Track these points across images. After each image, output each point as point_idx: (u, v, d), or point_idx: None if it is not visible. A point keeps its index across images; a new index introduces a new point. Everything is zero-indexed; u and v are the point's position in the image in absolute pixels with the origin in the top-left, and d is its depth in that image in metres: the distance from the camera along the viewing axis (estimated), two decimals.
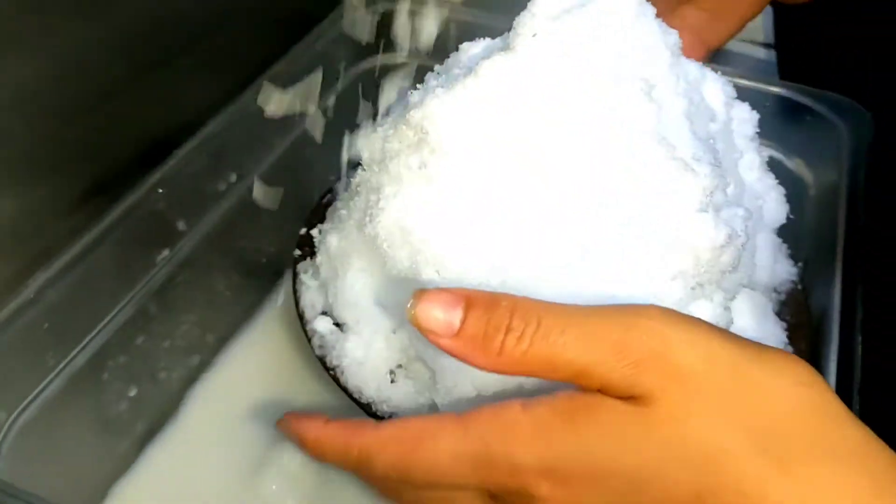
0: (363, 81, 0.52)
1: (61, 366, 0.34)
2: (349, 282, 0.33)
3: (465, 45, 0.35)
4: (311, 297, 0.36)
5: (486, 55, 0.29)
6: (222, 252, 0.43)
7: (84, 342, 0.35)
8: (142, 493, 0.38)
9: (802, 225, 0.45)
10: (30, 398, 0.33)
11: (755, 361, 0.22)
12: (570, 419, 0.23)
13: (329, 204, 0.41)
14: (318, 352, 0.34)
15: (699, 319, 0.23)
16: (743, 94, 0.39)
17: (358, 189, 0.34)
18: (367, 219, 0.30)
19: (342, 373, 0.33)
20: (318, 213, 0.41)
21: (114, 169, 0.40)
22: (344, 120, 0.50)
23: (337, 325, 0.35)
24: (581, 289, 0.27)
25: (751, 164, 0.38)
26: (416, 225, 0.28)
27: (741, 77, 0.45)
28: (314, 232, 0.39)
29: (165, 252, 0.39)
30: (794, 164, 0.48)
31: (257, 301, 0.47)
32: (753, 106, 0.39)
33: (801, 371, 0.22)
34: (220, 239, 0.43)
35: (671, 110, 0.29)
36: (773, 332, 0.35)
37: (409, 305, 0.24)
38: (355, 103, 0.51)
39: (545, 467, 0.23)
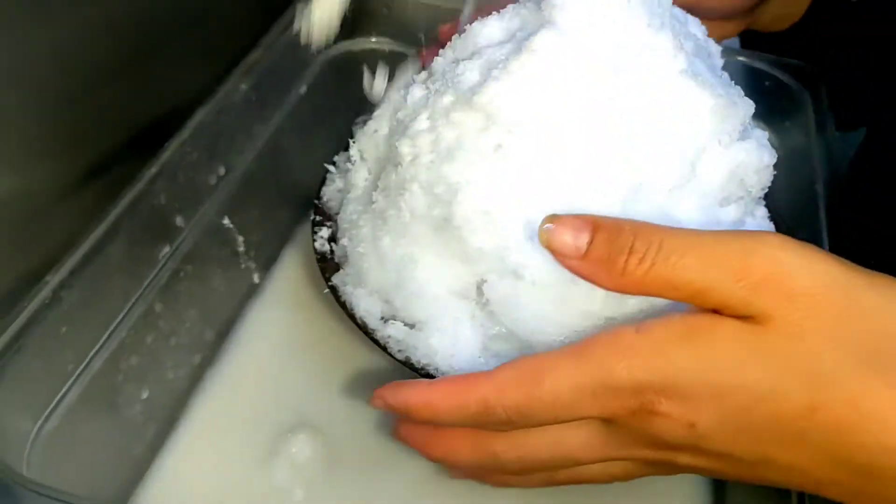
0: (339, 66, 0.52)
1: (79, 370, 0.33)
2: (421, 279, 0.33)
3: (476, 26, 0.35)
4: (365, 306, 0.36)
5: (527, 30, 0.30)
6: (220, 243, 0.42)
7: (99, 345, 0.34)
8: (162, 495, 0.38)
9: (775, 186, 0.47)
10: (52, 405, 0.32)
11: (867, 286, 0.23)
12: (686, 337, 0.24)
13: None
14: (400, 357, 0.34)
15: (812, 246, 0.24)
16: None
17: (403, 186, 0.33)
18: (437, 211, 0.31)
19: (436, 370, 0.33)
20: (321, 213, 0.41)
21: (106, 154, 0.39)
22: (321, 108, 0.51)
23: (406, 325, 0.35)
24: None
25: None
26: (498, 207, 0.29)
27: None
28: (344, 241, 0.38)
29: (166, 248, 0.39)
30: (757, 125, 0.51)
31: (255, 291, 0.47)
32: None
33: None
34: (217, 231, 0.42)
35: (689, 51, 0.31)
36: None
37: (541, 229, 0.26)
38: (332, 88, 0.51)
39: (665, 385, 0.24)
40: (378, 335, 0.35)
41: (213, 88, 0.42)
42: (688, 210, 0.29)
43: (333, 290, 0.37)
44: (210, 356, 0.43)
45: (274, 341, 0.45)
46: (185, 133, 0.40)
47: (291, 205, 0.50)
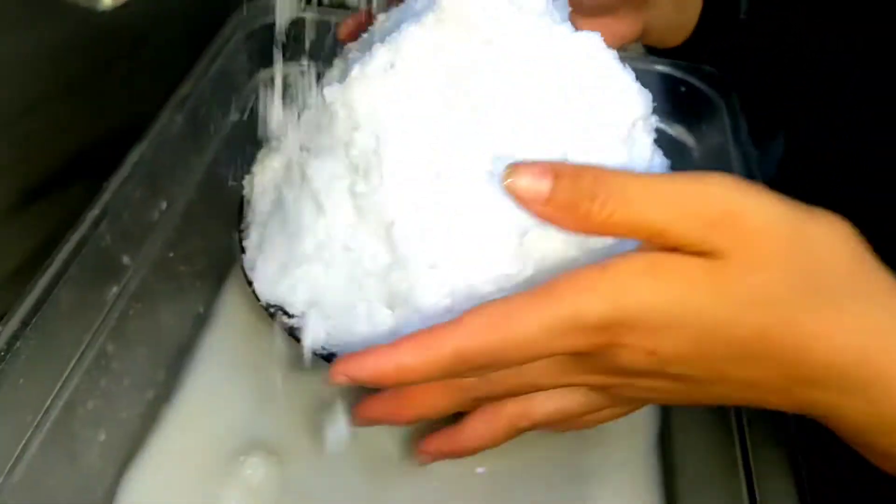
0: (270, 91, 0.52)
1: (37, 420, 0.33)
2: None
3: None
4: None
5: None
6: (166, 278, 0.42)
7: (54, 393, 0.34)
8: None
9: None
10: (14, 459, 0.32)
11: (810, 221, 0.26)
12: (648, 272, 0.26)
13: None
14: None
15: (762, 187, 0.26)
16: None
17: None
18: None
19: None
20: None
21: (47, 176, 0.38)
22: (255, 133, 0.51)
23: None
24: None
25: None
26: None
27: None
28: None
29: (114, 289, 0.38)
30: (675, 131, 0.53)
31: (203, 321, 0.47)
32: None
33: (845, 229, 0.26)
34: (163, 266, 0.42)
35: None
36: None
37: (503, 175, 0.27)
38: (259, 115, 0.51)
39: (629, 317, 0.26)
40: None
41: (148, 113, 0.42)
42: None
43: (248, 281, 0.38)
44: (163, 391, 0.43)
45: (224, 369, 0.45)
46: (125, 170, 0.40)
47: (233, 230, 0.50)
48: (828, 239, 0.26)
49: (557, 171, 0.27)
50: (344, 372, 0.27)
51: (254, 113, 0.50)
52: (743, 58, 0.51)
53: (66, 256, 0.35)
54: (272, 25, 0.52)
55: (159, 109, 0.44)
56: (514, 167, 0.27)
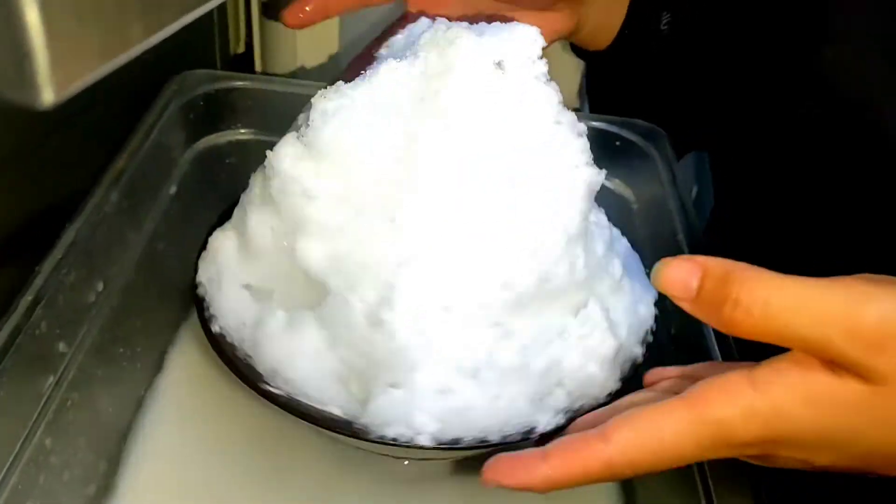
0: (205, 161, 0.51)
1: None
2: None
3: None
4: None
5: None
6: (105, 362, 0.40)
7: None
8: None
9: (637, 235, 0.51)
10: None
11: None
12: (808, 402, 0.25)
13: None
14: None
15: None
16: None
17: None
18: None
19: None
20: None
21: None
22: (192, 205, 0.49)
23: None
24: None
25: None
26: None
27: None
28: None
29: (50, 378, 0.36)
30: (613, 184, 0.54)
31: (144, 403, 0.45)
32: None
33: None
34: (100, 350, 0.40)
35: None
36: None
37: (654, 271, 0.27)
38: (201, 183, 0.50)
39: (786, 439, 0.26)
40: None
41: (83, 190, 0.41)
42: None
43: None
44: (105, 483, 0.40)
45: (169, 453, 0.43)
46: (58, 252, 0.38)
47: (171, 307, 0.48)
48: None
49: (707, 269, 0.26)
50: (494, 479, 0.28)
51: (186, 185, 0.49)
52: (661, 69, 0.53)
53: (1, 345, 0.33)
54: (208, 95, 0.51)
55: (93, 185, 0.42)
56: (667, 262, 0.27)
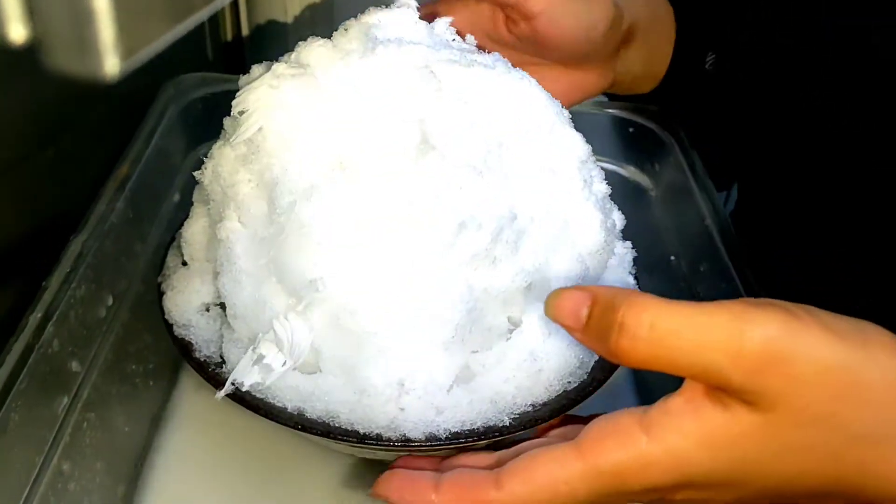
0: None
1: None
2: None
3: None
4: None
5: None
6: (119, 380, 0.38)
7: None
8: None
9: (659, 223, 0.50)
10: None
11: (864, 360, 0.24)
12: (704, 444, 0.24)
13: None
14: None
15: (806, 318, 0.24)
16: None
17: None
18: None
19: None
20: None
21: None
22: None
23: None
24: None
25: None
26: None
27: None
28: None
29: (65, 399, 0.34)
30: (628, 172, 0.53)
31: (161, 420, 0.43)
32: (584, 126, 0.39)
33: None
34: (114, 368, 0.38)
35: None
36: None
37: (546, 301, 0.26)
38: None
39: (684, 483, 0.25)
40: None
41: (80, 200, 0.39)
42: None
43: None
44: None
45: (187, 473, 0.41)
46: (66, 265, 0.36)
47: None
48: (884, 380, 0.24)
49: (596, 296, 0.26)
50: (383, 493, 0.28)
51: (189, 193, 0.47)
52: (707, 108, 0.52)
53: (11, 369, 0.31)
54: (206, 98, 0.49)
55: (95, 194, 0.40)
56: (559, 292, 0.26)
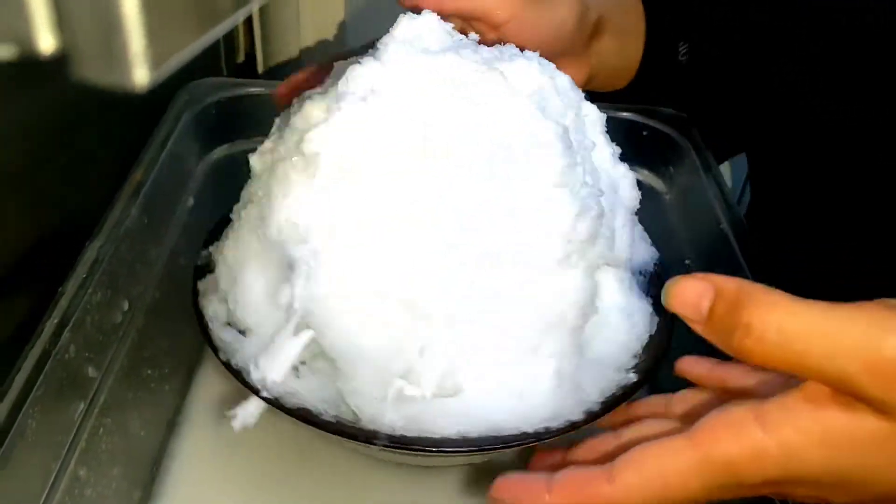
0: (221, 171, 0.49)
1: None
2: (247, 284, 0.34)
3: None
4: (213, 309, 0.36)
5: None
6: (135, 385, 0.38)
7: None
8: None
9: (674, 226, 0.49)
10: None
11: None
12: (823, 443, 0.24)
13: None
14: (221, 357, 0.34)
15: None
16: None
17: (250, 199, 0.35)
18: (261, 220, 0.32)
19: (248, 375, 0.32)
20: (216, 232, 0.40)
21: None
22: (211, 217, 0.47)
23: (241, 332, 0.35)
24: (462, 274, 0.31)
25: (602, 154, 0.40)
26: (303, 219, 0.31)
27: None
28: (211, 248, 0.39)
29: (81, 405, 0.34)
30: (642, 175, 0.53)
31: (176, 424, 0.43)
32: None
33: None
34: (130, 373, 0.38)
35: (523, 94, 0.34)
36: (640, 306, 0.38)
37: (665, 289, 0.25)
38: (218, 195, 0.48)
39: (800, 479, 0.24)
40: (214, 336, 0.35)
41: (93, 206, 0.39)
42: None
43: (195, 294, 0.37)
44: None
45: (202, 477, 0.41)
46: (82, 271, 0.36)
47: (196, 325, 0.46)
48: None
49: (720, 289, 0.25)
50: (500, 499, 0.27)
51: (203, 197, 0.47)
52: (684, 100, 0.52)
53: (27, 375, 0.31)
54: (219, 103, 0.49)
55: (110, 199, 0.40)
56: (679, 281, 0.25)
